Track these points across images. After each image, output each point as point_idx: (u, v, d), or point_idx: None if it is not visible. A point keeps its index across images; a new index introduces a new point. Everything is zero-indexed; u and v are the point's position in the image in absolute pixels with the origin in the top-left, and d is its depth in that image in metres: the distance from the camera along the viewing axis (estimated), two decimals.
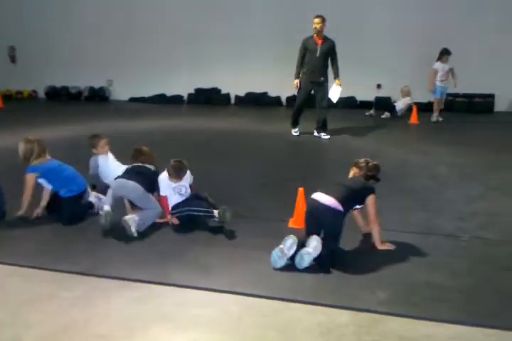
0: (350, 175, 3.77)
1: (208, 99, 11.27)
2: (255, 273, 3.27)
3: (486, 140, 7.43)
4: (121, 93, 12.12)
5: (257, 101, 10.98)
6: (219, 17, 10.88)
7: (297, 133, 7.77)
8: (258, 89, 11.01)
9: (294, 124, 7.79)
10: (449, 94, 9.31)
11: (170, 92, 11.67)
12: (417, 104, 9.17)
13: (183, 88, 11.51)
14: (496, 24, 9.48)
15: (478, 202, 4.58)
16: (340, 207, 3.42)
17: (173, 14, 11.23)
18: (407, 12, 9.95)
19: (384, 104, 9.84)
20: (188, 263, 3.44)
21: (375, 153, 6.52)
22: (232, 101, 11.47)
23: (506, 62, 9.46)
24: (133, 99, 11.94)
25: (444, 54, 8.51)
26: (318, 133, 7.63)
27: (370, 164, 3.70)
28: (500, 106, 9.79)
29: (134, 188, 3.96)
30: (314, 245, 3.28)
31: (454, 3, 9.67)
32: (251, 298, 2.99)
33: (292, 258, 3.28)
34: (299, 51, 7.35)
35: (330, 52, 7.30)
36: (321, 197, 3.45)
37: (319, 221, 3.45)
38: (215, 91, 11.46)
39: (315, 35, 7.24)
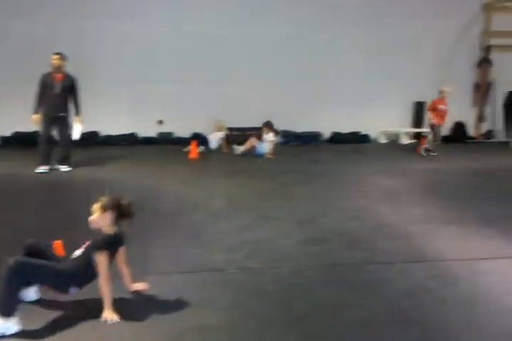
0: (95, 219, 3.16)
1: None
2: None
3: (258, 170, 8.03)
4: None
5: (26, 142, 9.90)
6: None
7: (45, 171, 7.33)
8: (27, 129, 9.96)
9: (43, 161, 7.40)
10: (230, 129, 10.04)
11: None
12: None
13: None
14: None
15: (247, 232, 4.76)
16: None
17: None
18: (191, 50, 10.41)
19: (199, 138, 9.92)
20: None
21: (153, 189, 6.43)
22: None
23: (279, 97, 10.61)
24: None
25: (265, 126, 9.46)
26: (58, 165, 7.55)
27: (124, 205, 3.22)
28: None
29: None
30: None
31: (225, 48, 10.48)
32: None
33: None
34: (38, 87, 7.27)
35: (70, 89, 7.37)
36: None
37: None
38: None
39: (53, 71, 7.31)
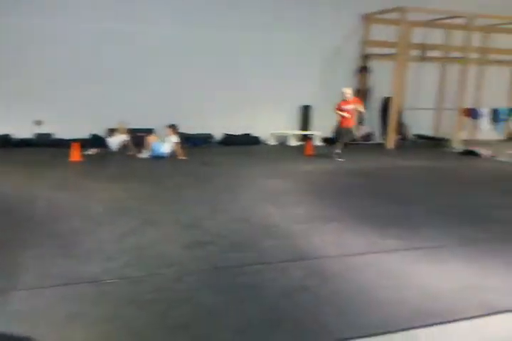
0: None
1: None
2: None
3: (146, 173, 7.76)
4: None
5: None
6: None
7: None
8: None
9: None
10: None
11: None
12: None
13: None
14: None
15: (128, 238, 4.53)
16: None
17: None
18: (73, 46, 9.79)
19: (96, 140, 9.48)
20: None
21: (24, 195, 5.90)
22: None
23: (169, 98, 10.42)
24: None
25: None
26: None
27: None
28: None
29: None
30: None
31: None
32: None
33: None
34: None
35: None
36: None
37: None
38: None
39: None
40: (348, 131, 9.54)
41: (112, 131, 9.57)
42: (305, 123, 11.91)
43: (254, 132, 11.50)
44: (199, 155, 9.43)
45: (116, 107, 9.94)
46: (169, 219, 5.17)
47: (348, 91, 9.46)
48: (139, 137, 9.49)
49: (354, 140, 11.90)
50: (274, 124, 11.56)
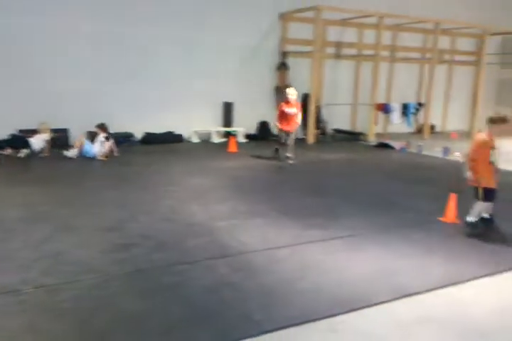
0: None
1: None
2: None
3: (64, 175, 7.42)
4: None
5: None
6: None
7: None
8: None
9: None
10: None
11: None
12: None
13: None
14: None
15: (45, 245, 4.32)
16: None
17: None
18: None
19: (19, 141, 8.96)
20: None
21: None
22: None
23: (87, 97, 10.11)
24: None
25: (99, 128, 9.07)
26: None
27: None
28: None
29: None
30: None
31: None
32: None
33: None
34: None
35: None
36: None
37: None
38: None
39: None
40: (289, 135, 9.00)
41: (30, 132, 9.05)
42: (227, 120, 11.95)
43: (177, 130, 11.37)
44: (120, 155, 9.16)
45: (32, 107, 9.47)
46: (89, 223, 5.00)
47: (292, 92, 8.80)
48: (58, 137, 9.17)
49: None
50: (196, 122, 11.49)
